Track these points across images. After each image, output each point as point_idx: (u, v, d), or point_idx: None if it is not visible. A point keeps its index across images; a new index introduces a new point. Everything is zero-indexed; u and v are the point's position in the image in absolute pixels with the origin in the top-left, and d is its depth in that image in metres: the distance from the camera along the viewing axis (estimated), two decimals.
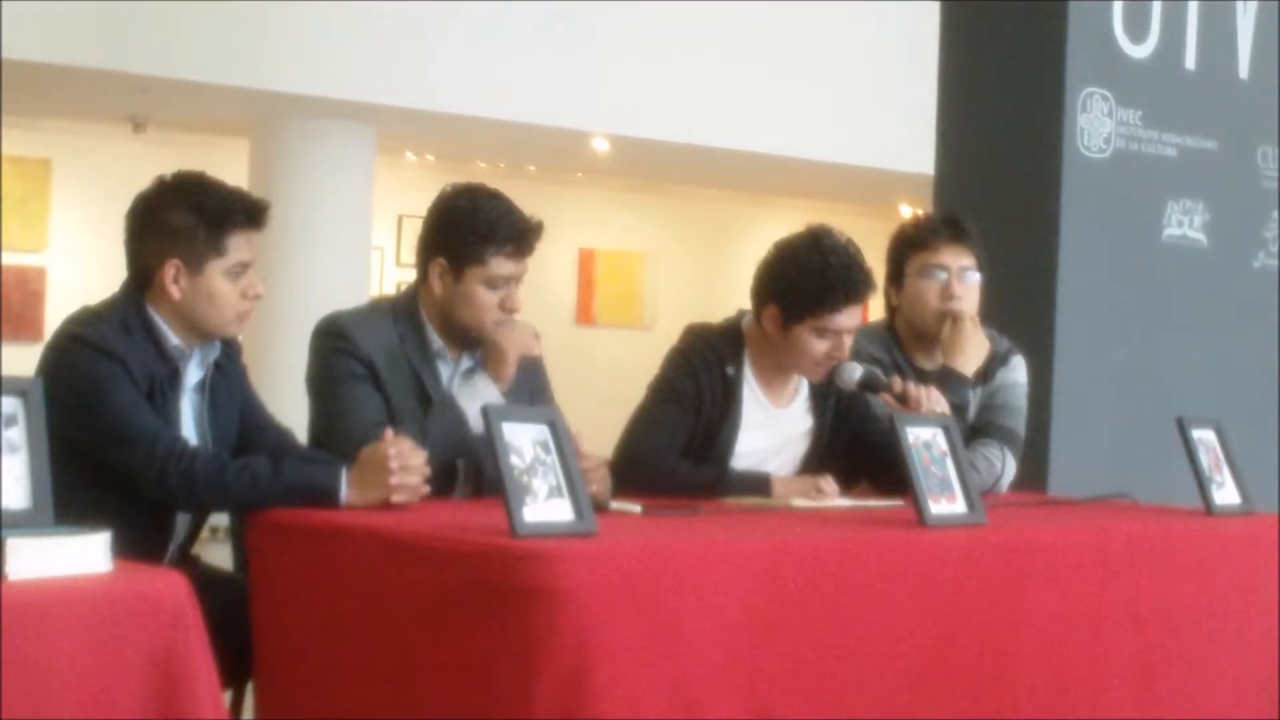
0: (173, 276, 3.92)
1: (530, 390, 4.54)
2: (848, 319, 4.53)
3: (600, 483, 4.09)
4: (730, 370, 4.65)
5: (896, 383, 4.60)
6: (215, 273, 3.94)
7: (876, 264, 4.73)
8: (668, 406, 4.64)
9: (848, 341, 4.58)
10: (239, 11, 10.87)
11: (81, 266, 13.47)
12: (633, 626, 3.23)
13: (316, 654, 3.60)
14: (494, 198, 4.36)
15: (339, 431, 4.12)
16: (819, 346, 4.55)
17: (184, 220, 3.93)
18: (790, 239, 4.63)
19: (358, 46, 11.33)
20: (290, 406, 4.51)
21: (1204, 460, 4.66)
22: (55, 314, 11.22)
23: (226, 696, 3.51)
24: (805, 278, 4.50)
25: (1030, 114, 6.00)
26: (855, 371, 4.64)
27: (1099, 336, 5.97)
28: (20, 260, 14.01)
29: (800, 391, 4.79)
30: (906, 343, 5.15)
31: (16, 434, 3.02)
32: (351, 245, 12.45)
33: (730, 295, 14.65)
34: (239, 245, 3.97)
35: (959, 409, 4.82)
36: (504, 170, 15.07)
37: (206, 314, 3.95)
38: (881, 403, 4.68)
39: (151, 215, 3.97)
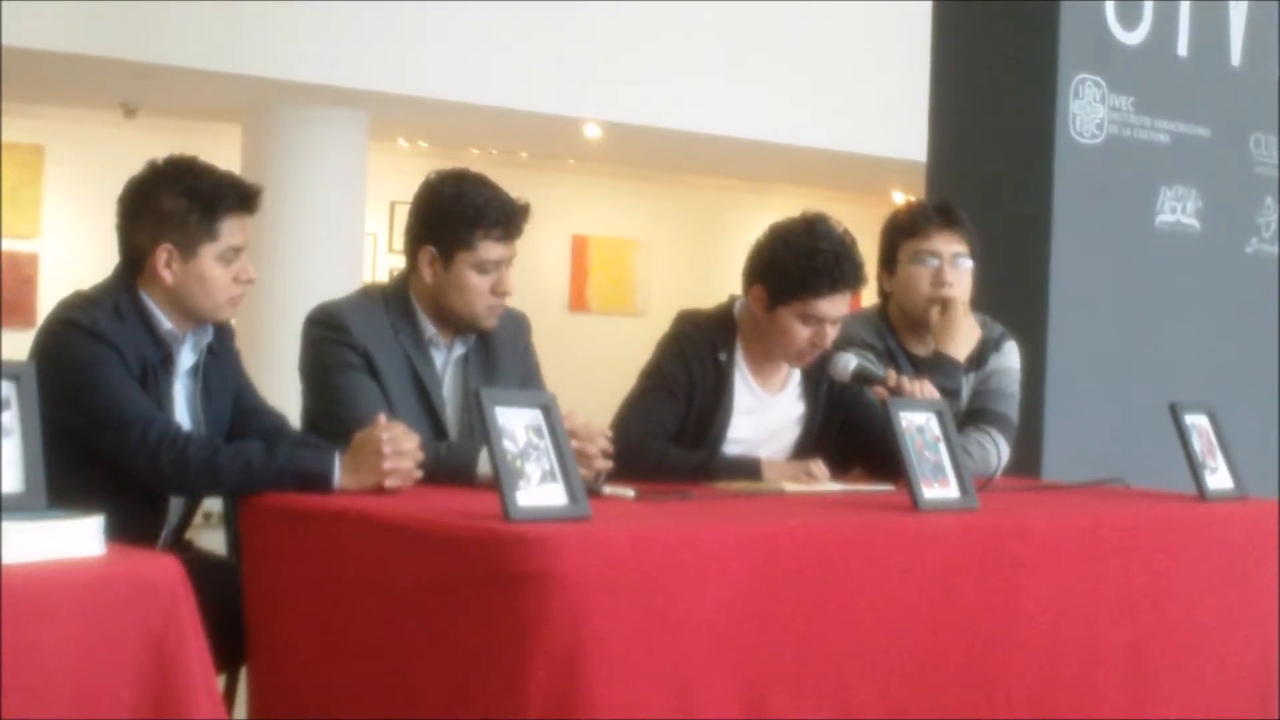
0: (165, 261, 3.92)
1: (522, 376, 4.54)
2: (832, 307, 4.52)
3: (593, 442, 4.07)
4: (722, 356, 4.65)
5: (891, 376, 4.58)
6: (207, 257, 3.94)
7: (869, 249, 4.73)
8: (659, 393, 4.64)
9: (831, 332, 4.56)
10: None
11: (74, 252, 13.48)
12: (626, 611, 3.24)
13: (310, 638, 3.60)
14: (479, 182, 4.36)
15: (344, 420, 4.08)
16: (802, 332, 4.54)
17: (176, 204, 3.93)
18: (785, 221, 4.63)
19: (350, 33, 11.32)
20: (283, 391, 4.51)
21: (1197, 445, 4.67)
22: (48, 300, 11.18)
23: (220, 681, 3.51)
24: (793, 260, 4.49)
25: (1023, 100, 6.00)
26: (850, 363, 4.63)
27: (1092, 322, 5.97)
28: (13, 246, 14.00)
29: (792, 378, 4.79)
30: (899, 329, 5.15)
31: (9, 418, 3.01)
32: (344, 231, 12.46)
33: (723, 282, 14.64)
34: (231, 229, 3.97)
35: (951, 394, 4.82)
36: (496, 157, 15.06)
37: (199, 298, 3.95)
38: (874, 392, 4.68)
39: (143, 200, 3.97)
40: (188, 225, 3.92)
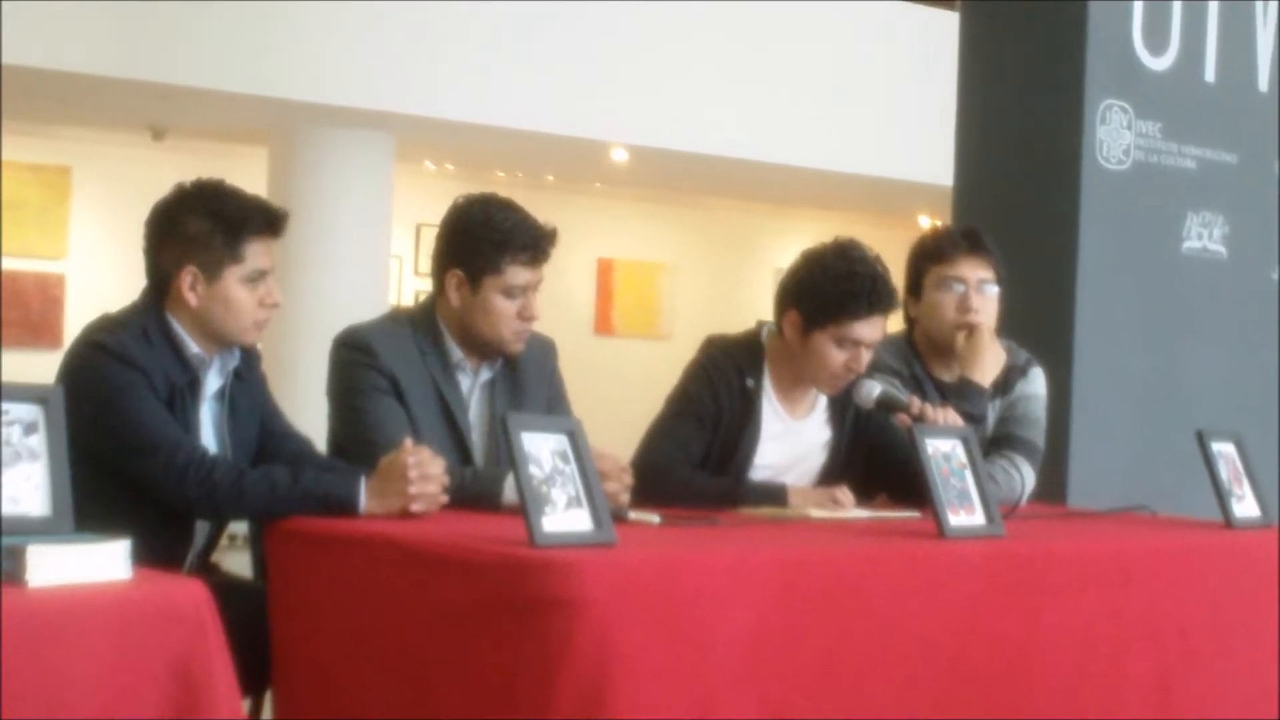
0: (190, 284, 3.93)
1: (548, 401, 4.54)
2: (868, 330, 4.52)
3: (618, 479, 4.07)
4: (749, 382, 4.65)
5: (915, 403, 4.57)
6: (232, 280, 3.95)
7: (895, 274, 4.72)
8: (685, 419, 4.64)
9: (865, 356, 4.56)
10: (258, 19, 10.90)
11: (101, 274, 13.49)
12: (651, 637, 3.23)
13: (335, 663, 3.60)
14: (507, 207, 4.36)
15: (370, 444, 4.08)
16: (837, 356, 4.54)
17: (201, 227, 3.94)
18: (818, 247, 4.63)
19: (377, 55, 11.36)
20: (309, 415, 4.52)
21: (1223, 473, 4.65)
22: (75, 321, 11.26)
23: (245, 704, 3.52)
24: (830, 283, 4.49)
25: (1049, 125, 6.00)
26: (873, 390, 4.63)
27: (1118, 348, 5.96)
28: (40, 267, 14.04)
29: (819, 403, 4.79)
30: (925, 355, 5.14)
31: (37, 441, 3.03)
32: (370, 254, 12.46)
33: (748, 305, 14.67)
34: (256, 253, 3.97)
35: (977, 420, 4.81)
36: (522, 180, 15.08)
37: (224, 321, 3.96)
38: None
39: (169, 222, 3.99)
40: (212, 247, 3.93)
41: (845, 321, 4.49)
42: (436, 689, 3.34)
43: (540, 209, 4.43)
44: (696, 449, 4.60)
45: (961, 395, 4.90)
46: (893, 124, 13.10)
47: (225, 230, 3.94)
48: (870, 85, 13.16)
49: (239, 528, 4.19)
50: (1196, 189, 6.21)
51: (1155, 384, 6.07)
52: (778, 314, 4.64)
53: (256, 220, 3.98)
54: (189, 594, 2.92)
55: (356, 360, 4.27)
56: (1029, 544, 4.13)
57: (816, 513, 4.36)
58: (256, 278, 3.98)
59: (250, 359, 4.16)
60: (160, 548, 3.43)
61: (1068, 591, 4.04)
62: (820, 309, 4.52)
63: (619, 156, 13.97)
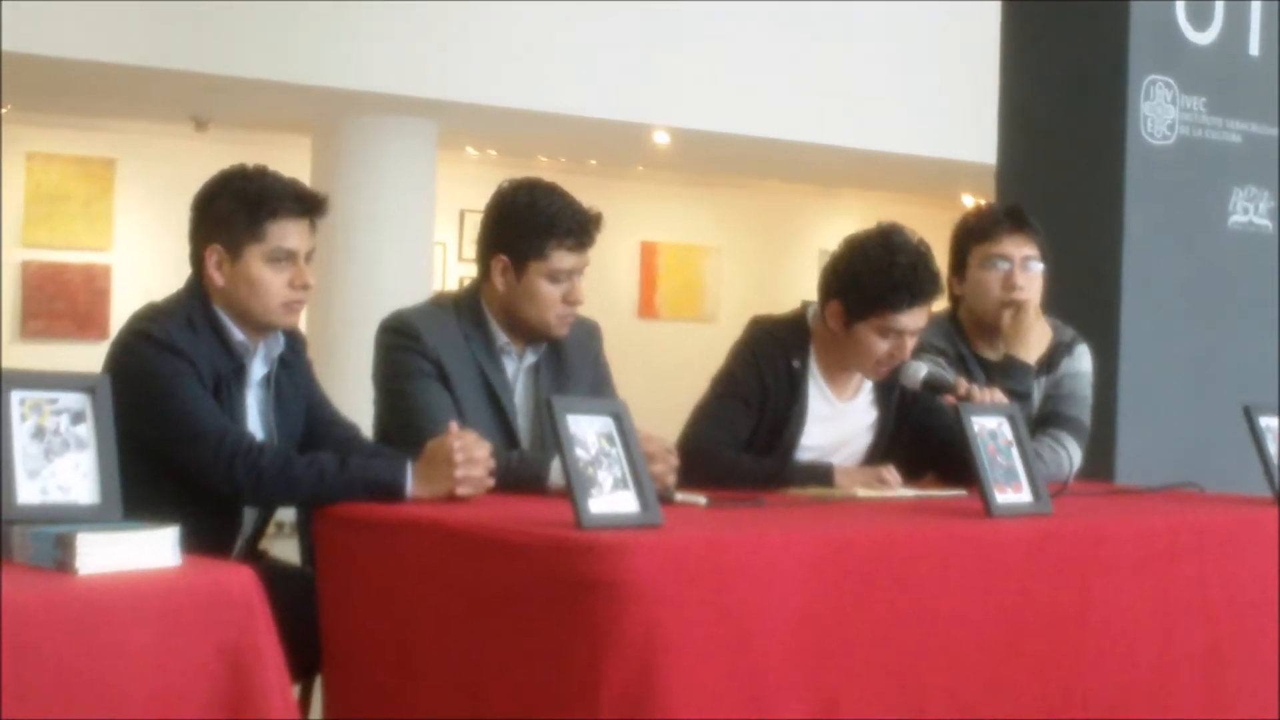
0: (215, 263, 3.94)
1: (592, 384, 4.54)
2: (911, 320, 4.51)
3: (664, 461, 4.06)
4: (795, 363, 4.64)
5: (961, 384, 4.56)
6: (254, 258, 3.94)
7: (939, 253, 4.71)
8: (731, 400, 4.63)
9: (910, 343, 4.55)
10: (299, 9, 10.92)
11: (146, 265, 13.55)
12: (699, 618, 3.23)
13: (384, 647, 3.61)
14: (552, 191, 4.36)
15: (416, 428, 4.09)
16: (880, 346, 4.52)
17: (227, 206, 3.95)
18: (860, 235, 4.61)
19: (418, 42, 11.36)
20: (355, 401, 4.52)
21: (1271, 448, 4.63)
22: (121, 311, 11.28)
23: (295, 690, 3.53)
24: (871, 275, 4.47)
25: (1093, 102, 5.98)
26: (920, 371, 4.61)
27: (1164, 324, 5.94)
28: (86, 258, 14.11)
29: (865, 384, 4.77)
30: (969, 333, 5.13)
31: (85, 430, 3.04)
32: (414, 240, 12.49)
33: (792, 287, 14.65)
34: (281, 232, 3.96)
35: (1023, 398, 4.80)
36: (565, 164, 15.08)
37: (249, 301, 3.95)
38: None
39: (201, 206, 4.01)
40: (235, 226, 3.94)
41: (887, 314, 4.48)
42: (485, 671, 3.35)
43: (582, 193, 4.43)
44: (742, 430, 4.60)
45: (1007, 373, 4.89)
46: (936, 103, 13.05)
47: (247, 209, 3.94)
48: (913, 64, 13.12)
49: (287, 515, 4.20)
50: (1242, 163, 6.18)
51: (1202, 359, 6.04)
52: (821, 303, 4.63)
53: (281, 199, 3.97)
54: (238, 580, 2.93)
55: (402, 345, 4.28)
56: (1077, 522, 4.11)
57: (863, 492, 4.35)
58: (281, 257, 3.96)
59: (296, 345, 4.17)
60: (208, 535, 3.44)
61: (1116, 569, 4.03)
62: (862, 301, 4.50)
63: (661, 139, 13.96)
